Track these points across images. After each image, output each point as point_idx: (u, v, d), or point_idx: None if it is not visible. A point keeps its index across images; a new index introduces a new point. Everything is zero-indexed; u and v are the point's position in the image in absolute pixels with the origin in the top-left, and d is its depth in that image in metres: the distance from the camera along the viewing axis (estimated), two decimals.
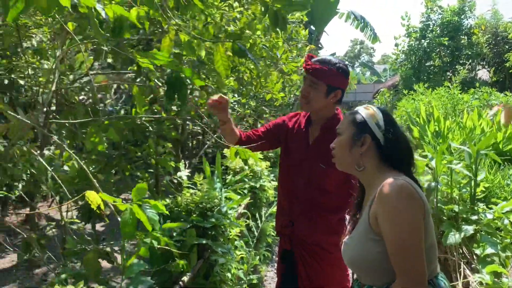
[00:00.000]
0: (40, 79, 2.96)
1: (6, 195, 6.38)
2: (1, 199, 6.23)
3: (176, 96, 1.28)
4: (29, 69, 3.11)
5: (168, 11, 2.16)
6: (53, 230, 3.91)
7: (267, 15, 1.66)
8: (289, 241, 2.03)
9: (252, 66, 2.89)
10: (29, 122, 1.38)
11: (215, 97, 1.85)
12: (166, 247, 1.47)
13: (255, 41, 2.81)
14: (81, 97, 3.31)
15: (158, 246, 1.50)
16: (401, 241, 1.18)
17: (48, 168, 1.66)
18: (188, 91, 2.62)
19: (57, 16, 1.85)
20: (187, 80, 1.32)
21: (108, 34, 1.55)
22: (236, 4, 2.84)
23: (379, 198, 1.24)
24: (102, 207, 1.31)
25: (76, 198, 1.35)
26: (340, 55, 48.62)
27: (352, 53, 50.31)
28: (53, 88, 1.70)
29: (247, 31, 2.70)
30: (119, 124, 1.87)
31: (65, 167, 2.76)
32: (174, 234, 2.27)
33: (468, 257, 2.42)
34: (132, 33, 2.75)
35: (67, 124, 1.88)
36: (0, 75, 4.85)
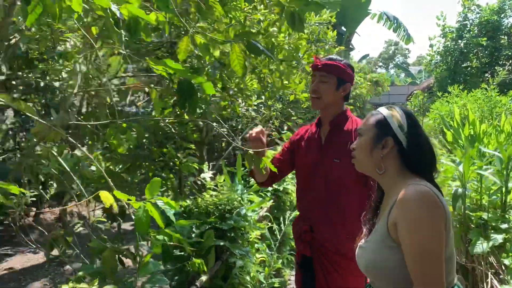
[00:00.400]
0: (70, 82, 3.06)
1: (41, 194, 6.64)
2: (36, 197, 6.51)
3: (187, 104, 1.28)
4: (63, 73, 3.22)
5: (185, 15, 2.19)
6: (82, 228, 4.03)
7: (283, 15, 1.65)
8: (309, 247, 2.00)
9: (273, 67, 2.88)
10: (45, 123, 1.42)
11: (257, 129, 1.87)
12: (179, 244, 1.48)
13: (278, 42, 2.80)
14: (115, 99, 3.41)
15: (172, 244, 1.51)
16: (421, 250, 1.13)
17: (62, 167, 1.70)
18: (202, 96, 2.65)
19: (80, 20, 1.90)
20: (200, 86, 1.33)
21: (126, 38, 1.59)
22: (261, 7, 2.84)
23: (399, 204, 1.20)
24: (114, 206, 1.34)
25: (90, 197, 1.38)
26: (374, 57, 47.79)
27: (386, 54, 49.35)
28: (75, 91, 1.75)
29: (272, 29, 2.69)
30: (137, 127, 1.90)
31: (93, 167, 2.85)
32: (193, 235, 2.29)
33: (497, 267, 2.31)
34: (156, 36, 2.81)
35: (88, 126, 1.93)
36: (37, 78, 5.06)
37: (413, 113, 1.36)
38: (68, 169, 2.53)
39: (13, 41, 2.05)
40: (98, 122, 1.77)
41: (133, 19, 1.35)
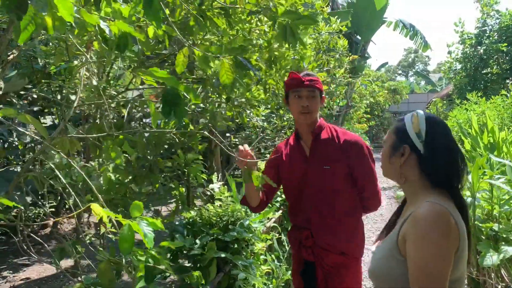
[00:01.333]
0: (81, 94, 3.14)
1: (58, 204, 6.76)
2: (54, 207, 6.66)
3: (173, 112, 1.29)
4: (80, 86, 3.31)
5: (187, 28, 2.22)
6: (93, 238, 4.08)
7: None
8: (312, 252, 2.03)
9: (277, 78, 2.88)
10: (36, 137, 1.45)
11: (245, 148, 1.89)
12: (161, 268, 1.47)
13: (281, 53, 2.80)
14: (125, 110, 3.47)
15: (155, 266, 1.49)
16: (425, 271, 1.10)
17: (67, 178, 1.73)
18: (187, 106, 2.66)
19: (80, 35, 1.95)
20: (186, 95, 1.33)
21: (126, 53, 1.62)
22: (266, 19, 2.86)
23: (412, 221, 1.16)
24: (105, 219, 1.35)
25: (81, 210, 1.39)
26: (393, 65, 47.35)
27: (405, 62, 48.82)
28: (75, 104, 1.79)
29: (275, 43, 2.70)
30: (133, 138, 1.93)
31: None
32: (195, 247, 2.29)
33: (507, 280, 2.23)
34: (160, 48, 2.85)
35: (90, 139, 1.97)
36: (54, 91, 5.21)
37: (439, 119, 1.29)
38: (80, 180, 2.58)
39: (11, 57, 2.11)
40: (95, 135, 1.80)
41: (123, 36, 1.37)
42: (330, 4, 10.63)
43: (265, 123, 5.67)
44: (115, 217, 1.33)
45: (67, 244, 2.28)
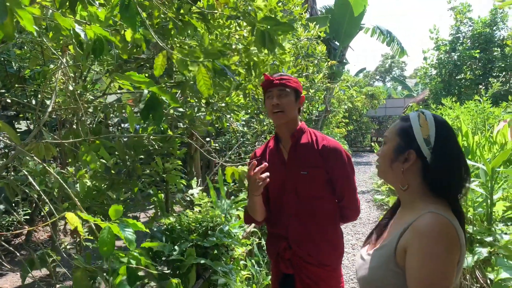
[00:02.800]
0: (57, 99, 3.07)
1: (33, 212, 6.58)
2: (28, 214, 6.47)
3: (151, 116, 1.27)
4: (55, 90, 3.23)
5: (165, 32, 2.20)
6: (69, 246, 3.98)
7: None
8: (290, 264, 1.95)
9: (256, 83, 2.88)
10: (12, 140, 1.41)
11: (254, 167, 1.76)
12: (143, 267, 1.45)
13: (260, 59, 2.81)
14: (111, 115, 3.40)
15: (138, 267, 1.48)
16: (428, 285, 1.03)
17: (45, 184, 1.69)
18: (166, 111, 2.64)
19: (56, 39, 1.91)
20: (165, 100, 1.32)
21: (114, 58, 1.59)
22: (245, 24, 2.86)
23: (415, 232, 1.07)
24: (79, 229, 1.32)
25: (55, 218, 1.36)
26: (371, 70, 48.10)
27: (383, 68, 49.66)
28: (50, 109, 1.75)
29: (252, 48, 2.71)
30: (110, 144, 1.89)
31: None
32: (174, 253, 2.26)
33: (482, 281, 2.28)
34: (137, 52, 2.83)
35: (66, 144, 1.92)
36: (29, 96, 5.08)
37: (447, 123, 1.18)
38: (56, 186, 2.51)
39: None
40: (71, 141, 1.76)
41: (99, 41, 1.35)
42: (309, 10, 10.74)
43: (245, 128, 5.67)
44: (94, 221, 1.30)
45: (37, 255, 2.22)
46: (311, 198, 1.91)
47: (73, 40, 1.30)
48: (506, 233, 2.45)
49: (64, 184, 1.42)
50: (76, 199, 1.39)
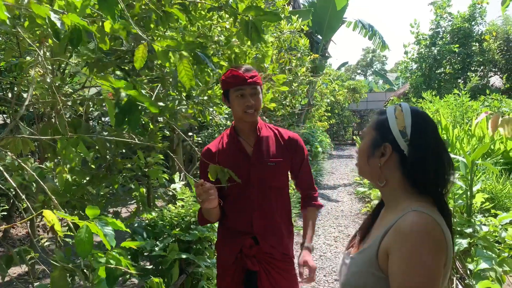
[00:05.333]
0: (34, 92, 2.98)
1: (11, 208, 6.43)
2: (6, 210, 6.32)
3: (126, 120, 1.23)
4: (33, 83, 3.14)
5: (146, 23, 2.15)
6: (48, 242, 3.90)
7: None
8: (256, 260, 1.89)
9: None
10: None
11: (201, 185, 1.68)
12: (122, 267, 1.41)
13: (243, 51, 2.78)
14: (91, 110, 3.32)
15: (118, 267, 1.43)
16: None
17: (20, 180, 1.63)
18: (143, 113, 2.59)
19: (31, 29, 1.85)
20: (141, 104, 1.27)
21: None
22: (227, 15, 2.83)
23: (397, 234, 1.01)
24: (57, 227, 1.27)
25: (32, 216, 1.31)
26: (353, 64, 48.47)
27: (364, 62, 50.09)
28: (26, 103, 1.69)
29: (233, 40, 2.68)
30: (89, 139, 1.84)
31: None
32: (157, 248, 2.23)
33: (462, 271, 2.32)
34: (117, 44, 2.76)
35: (43, 139, 1.86)
36: (5, 88, 4.93)
37: (425, 115, 1.12)
38: (32, 181, 2.44)
39: None
40: (48, 137, 1.71)
41: (76, 30, 1.30)
42: (292, 3, 10.72)
43: (228, 121, 5.63)
44: (71, 219, 1.26)
45: (15, 251, 2.16)
46: (274, 189, 1.92)
47: (49, 30, 1.24)
48: (485, 224, 2.50)
49: (39, 179, 1.37)
50: (52, 195, 1.34)
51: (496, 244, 2.52)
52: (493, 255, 2.29)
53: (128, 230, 1.32)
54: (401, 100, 15.83)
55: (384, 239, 1.03)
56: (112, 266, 1.32)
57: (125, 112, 1.23)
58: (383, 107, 18.76)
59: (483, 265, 2.17)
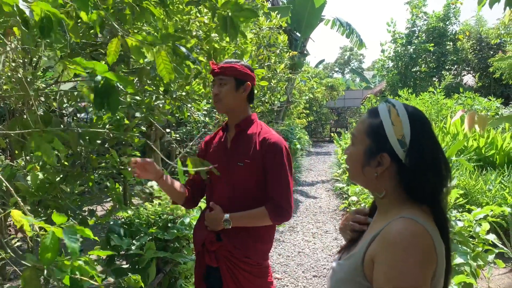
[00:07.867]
0: (5, 87, 2.87)
1: None
2: None
3: (105, 104, 1.19)
4: (1, 77, 3.01)
5: (120, 16, 2.09)
6: (19, 242, 3.78)
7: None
8: (214, 256, 1.87)
9: None
10: None
11: (138, 160, 1.86)
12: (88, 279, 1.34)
13: (222, 47, 2.74)
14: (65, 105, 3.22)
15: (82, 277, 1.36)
16: None
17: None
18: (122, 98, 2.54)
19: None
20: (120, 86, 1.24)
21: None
22: (206, 10, 2.78)
23: (382, 241, 0.95)
24: (26, 227, 1.21)
25: (1, 215, 1.25)
26: (330, 62, 48.91)
27: (342, 60, 50.59)
28: None
29: (213, 35, 2.64)
30: (62, 134, 1.77)
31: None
32: (133, 247, 2.18)
33: None
34: (91, 36, 2.68)
35: (12, 134, 1.78)
36: None
37: (423, 117, 1.03)
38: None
39: None
40: (17, 131, 1.63)
41: (47, 18, 1.24)
42: (270, 0, 10.71)
43: (206, 118, 5.58)
44: (38, 224, 1.20)
45: None
46: (243, 191, 1.86)
47: (18, 18, 1.18)
48: (460, 220, 2.54)
49: (3, 180, 1.30)
50: (16, 196, 1.28)
51: (471, 239, 2.58)
52: (468, 250, 2.33)
53: (96, 238, 1.26)
54: (378, 97, 16.05)
55: (371, 246, 0.99)
56: (77, 277, 1.25)
57: (103, 95, 1.19)
58: (360, 104, 18.98)
59: (458, 259, 2.21)
